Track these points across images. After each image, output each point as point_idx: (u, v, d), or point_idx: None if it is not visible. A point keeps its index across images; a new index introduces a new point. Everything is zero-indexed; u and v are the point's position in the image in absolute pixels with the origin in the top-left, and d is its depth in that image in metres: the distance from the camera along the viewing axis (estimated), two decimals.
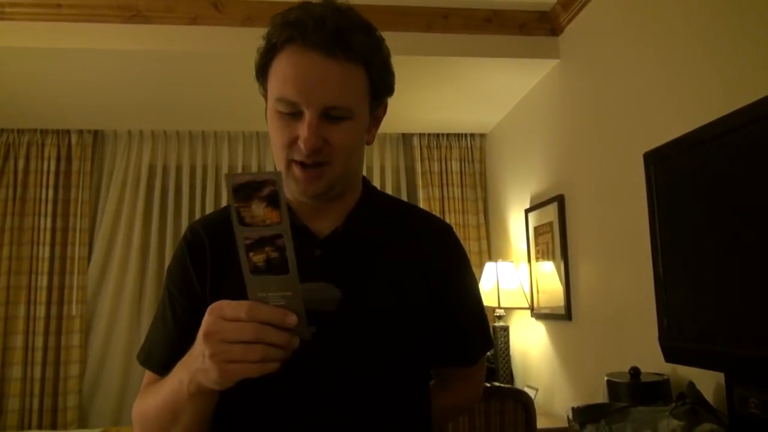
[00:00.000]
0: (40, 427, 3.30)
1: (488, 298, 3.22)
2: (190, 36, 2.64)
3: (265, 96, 0.93)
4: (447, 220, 3.77)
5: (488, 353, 3.26)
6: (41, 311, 3.41)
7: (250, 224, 0.67)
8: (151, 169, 3.74)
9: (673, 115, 1.94)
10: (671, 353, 1.53)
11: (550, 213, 2.91)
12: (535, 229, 3.12)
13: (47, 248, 3.47)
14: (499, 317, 3.23)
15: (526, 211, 3.23)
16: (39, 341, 3.38)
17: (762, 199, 1.23)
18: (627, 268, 2.23)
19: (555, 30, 2.83)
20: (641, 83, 2.15)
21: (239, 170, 3.76)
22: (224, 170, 3.78)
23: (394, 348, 0.93)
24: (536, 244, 3.13)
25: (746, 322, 1.27)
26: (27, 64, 2.75)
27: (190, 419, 0.81)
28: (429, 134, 3.94)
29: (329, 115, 0.85)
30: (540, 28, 2.83)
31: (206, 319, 0.72)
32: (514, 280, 3.21)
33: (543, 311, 3.03)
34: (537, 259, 3.12)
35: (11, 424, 3.28)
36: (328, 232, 0.95)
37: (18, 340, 3.37)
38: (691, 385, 1.56)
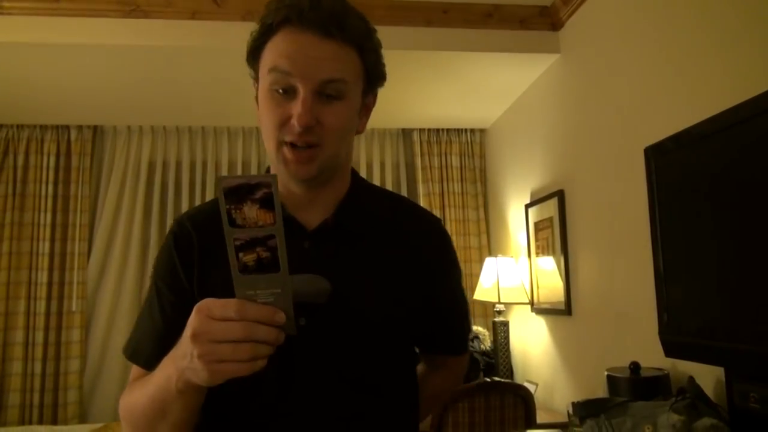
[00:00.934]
0: (40, 422, 3.31)
1: (488, 294, 3.22)
2: (189, 31, 2.63)
3: (256, 79, 0.92)
4: (447, 215, 3.81)
5: (487, 347, 3.27)
6: (41, 307, 3.41)
7: (242, 226, 0.65)
8: (151, 164, 3.73)
9: (673, 109, 1.94)
10: (671, 348, 1.53)
11: (551, 208, 2.91)
12: (535, 224, 3.12)
13: (47, 244, 3.48)
14: (499, 312, 3.24)
15: (527, 206, 3.23)
16: (39, 337, 3.39)
17: (763, 195, 1.23)
18: (627, 263, 2.23)
19: (555, 25, 2.82)
20: (641, 78, 2.14)
21: (239, 166, 3.76)
22: (224, 166, 3.78)
23: (383, 339, 0.93)
24: (536, 239, 3.12)
25: (746, 317, 1.27)
26: (26, 60, 2.74)
27: (179, 415, 0.81)
28: (429, 129, 3.94)
29: (323, 93, 0.85)
30: (540, 23, 2.83)
31: (193, 319, 0.71)
32: (514, 276, 3.21)
33: (543, 306, 3.03)
34: (537, 254, 3.12)
35: (12, 420, 3.28)
36: (317, 224, 0.94)
37: (18, 336, 3.37)
38: (691, 379, 1.56)
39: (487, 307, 3.62)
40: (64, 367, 3.40)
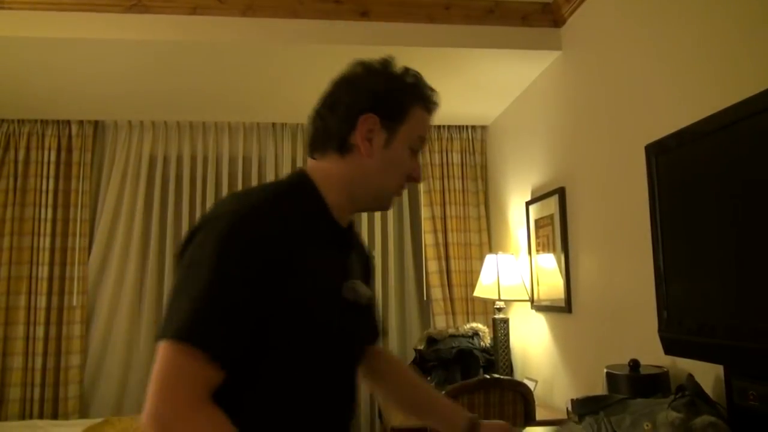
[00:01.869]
0: (41, 416, 3.32)
1: (488, 291, 3.23)
2: (190, 26, 2.62)
3: (388, 118, 1.09)
4: (447, 212, 3.83)
5: (487, 344, 3.27)
6: (42, 302, 3.42)
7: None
8: (152, 159, 3.74)
9: (675, 107, 1.94)
10: (671, 346, 1.53)
11: (551, 205, 2.91)
12: (536, 221, 3.12)
13: (48, 239, 3.48)
14: (499, 309, 3.24)
15: (527, 204, 3.23)
16: (40, 331, 3.39)
17: (763, 193, 1.23)
18: (627, 261, 2.23)
19: (557, 21, 2.81)
20: (643, 75, 2.14)
21: (240, 162, 3.77)
22: (225, 161, 3.78)
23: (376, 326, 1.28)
24: (537, 237, 3.12)
25: (746, 315, 1.27)
26: (27, 54, 2.74)
27: None
28: (430, 126, 3.92)
29: None
30: (542, 20, 2.82)
31: None
32: (514, 273, 3.21)
33: (543, 303, 3.03)
34: (537, 251, 3.12)
35: (13, 414, 3.29)
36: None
37: (19, 331, 3.38)
38: (690, 377, 1.56)
39: (488, 305, 3.63)
40: (65, 362, 3.41)
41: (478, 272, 3.45)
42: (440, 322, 3.70)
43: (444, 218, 3.86)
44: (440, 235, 3.81)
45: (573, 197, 2.73)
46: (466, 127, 3.99)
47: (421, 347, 3.27)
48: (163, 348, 0.86)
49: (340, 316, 1.02)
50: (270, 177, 3.77)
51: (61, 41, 2.61)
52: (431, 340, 3.25)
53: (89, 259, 3.55)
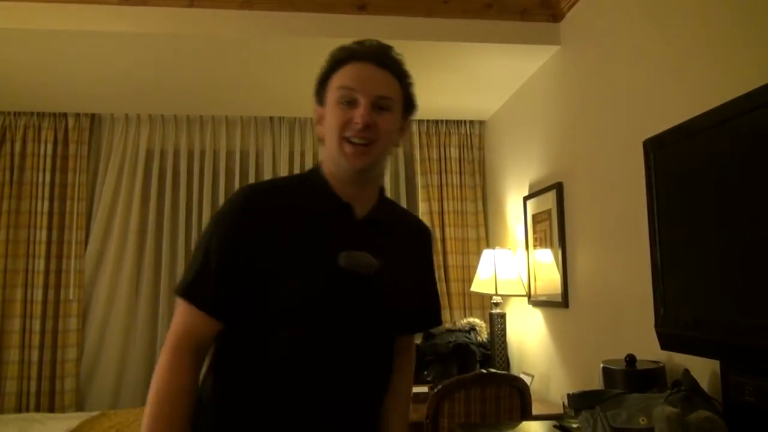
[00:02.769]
0: (37, 410, 3.31)
1: (485, 286, 3.23)
2: (187, 19, 2.61)
3: (320, 103, 1.19)
4: (445, 207, 3.82)
5: (483, 339, 3.28)
6: (38, 295, 3.41)
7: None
8: (149, 153, 3.72)
9: (673, 102, 1.93)
10: (667, 341, 1.53)
11: (549, 200, 2.91)
12: (534, 216, 3.12)
13: (44, 232, 3.47)
14: (496, 304, 3.24)
15: (525, 199, 3.23)
16: (36, 325, 3.39)
17: (761, 188, 1.22)
18: (624, 256, 2.23)
19: (556, 16, 2.81)
20: (642, 70, 2.14)
21: (237, 155, 3.76)
22: (222, 155, 3.76)
23: (403, 307, 1.23)
24: (534, 232, 3.13)
25: (742, 311, 1.27)
26: (23, 47, 2.72)
27: None
28: (428, 121, 3.93)
29: (376, 105, 1.11)
30: (541, 14, 2.81)
31: None
32: (511, 268, 3.21)
33: (540, 298, 3.04)
34: (535, 246, 3.12)
35: (9, 407, 3.29)
36: (362, 215, 1.18)
37: (15, 324, 3.37)
38: (687, 372, 1.57)
39: (485, 299, 3.63)
40: (61, 355, 3.40)
41: (476, 267, 3.45)
42: None
43: (441, 213, 3.86)
44: (437, 230, 3.81)
45: (570, 192, 2.73)
46: (464, 121, 3.98)
47: (418, 342, 3.27)
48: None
49: (328, 282, 1.10)
50: (267, 171, 3.76)
51: (58, 33, 2.59)
52: (428, 335, 3.25)
53: (86, 253, 3.54)
